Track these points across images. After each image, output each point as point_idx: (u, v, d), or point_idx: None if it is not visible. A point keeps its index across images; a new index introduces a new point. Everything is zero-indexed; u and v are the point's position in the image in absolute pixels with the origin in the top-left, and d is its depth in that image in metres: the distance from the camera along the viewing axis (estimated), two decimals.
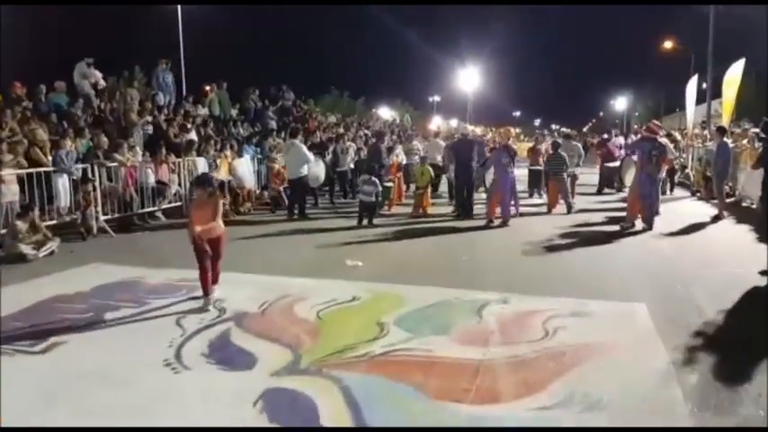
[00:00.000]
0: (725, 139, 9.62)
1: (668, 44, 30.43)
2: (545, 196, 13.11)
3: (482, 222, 9.45)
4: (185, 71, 23.91)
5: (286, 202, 11.19)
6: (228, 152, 12.57)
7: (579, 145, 13.55)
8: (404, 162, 13.14)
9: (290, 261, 7.05)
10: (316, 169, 10.89)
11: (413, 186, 11.60)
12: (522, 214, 10.19)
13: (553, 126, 67.03)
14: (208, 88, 17.35)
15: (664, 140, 9.72)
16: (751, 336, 4.40)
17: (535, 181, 13.19)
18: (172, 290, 5.64)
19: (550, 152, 11.55)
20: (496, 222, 9.26)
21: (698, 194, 12.75)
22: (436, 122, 50.49)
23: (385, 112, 34.44)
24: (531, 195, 13.23)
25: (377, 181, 9.49)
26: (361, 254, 7.32)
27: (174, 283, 5.91)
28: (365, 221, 9.46)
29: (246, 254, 7.46)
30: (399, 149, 13.46)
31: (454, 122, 50.88)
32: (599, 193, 13.91)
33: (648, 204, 8.63)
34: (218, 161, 12.12)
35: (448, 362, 3.90)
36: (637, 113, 57.93)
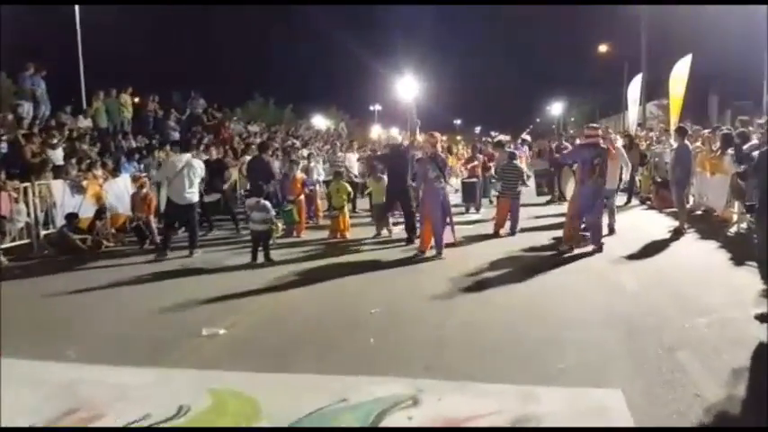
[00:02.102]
0: (686, 141, 8.23)
1: (603, 48, 30.23)
2: (483, 211, 11.57)
3: (411, 251, 7.63)
4: (85, 79, 20.91)
5: (155, 235, 8.93)
6: (99, 171, 10.23)
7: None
8: (319, 178, 11.13)
9: (126, 330, 4.95)
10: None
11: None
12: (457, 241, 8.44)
13: (493, 133, 67.14)
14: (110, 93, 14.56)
15: (606, 145, 8.19)
16: None
17: (470, 194, 11.52)
18: None
19: (504, 162, 9.51)
20: (428, 253, 7.44)
21: (648, 203, 11.51)
22: (376, 131, 49.04)
23: (318, 121, 32.39)
24: (467, 210, 11.59)
25: (267, 205, 7.47)
26: (236, 309, 5.36)
27: None
28: (261, 256, 7.45)
29: (64, 318, 5.30)
30: (315, 163, 11.46)
31: (395, 131, 49.53)
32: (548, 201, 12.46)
33: (594, 222, 7.10)
34: (84, 183, 9.78)
35: None
36: (572, 119, 58.67)
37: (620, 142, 12.85)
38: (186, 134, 16.24)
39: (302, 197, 9.51)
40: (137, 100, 16.06)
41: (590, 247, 7.12)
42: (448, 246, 7.59)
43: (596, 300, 5.24)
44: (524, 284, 5.85)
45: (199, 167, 8.25)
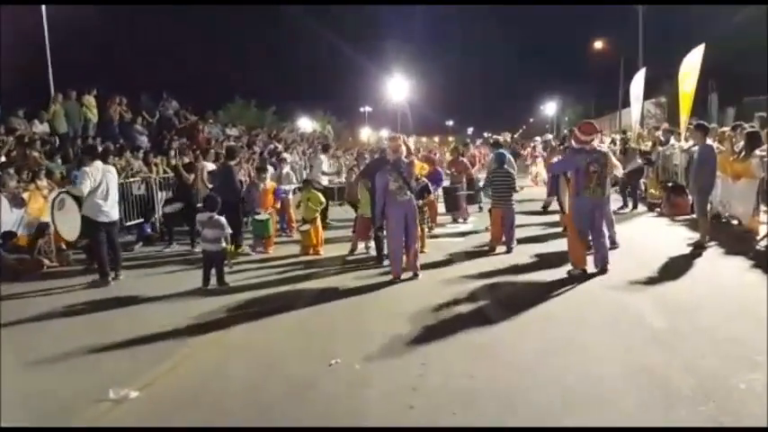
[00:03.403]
0: (708, 140, 7.15)
1: (599, 44, 29.35)
2: (473, 219, 10.50)
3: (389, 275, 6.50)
4: (54, 80, 19.61)
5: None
6: (44, 182, 9.09)
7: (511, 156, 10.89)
8: (289, 187, 9.97)
9: (16, 386, 3.85)
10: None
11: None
12: (446, 260, 7.28)
13: (485, 134, 66.39)
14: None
15: (604, 148, 7.02)
16: None
17: (452, 203, 10.26)
18: None
19: (493, 166, 8.22)
20: (406, 275, 6.31)
21: (656, 210, 10.46)
22: (366, 133, 48.00)
23: (304, 123, 31.25)
24: (454, 220, 10.49)
25: (222, 221, 6.36)
26: (165, 355, 4.27)
27: None
28: (213, 280, 6.34)
29: None
30: (290, 169, 10.31)
31: (384, 133, 48.81)
32: (544, 210, 11.43)
33: (597, 240, 6.01)
34: (25, 196, 8.64)
35: None
36: (567, 118, 57.86)
37: (606, 143, 11.90)
38: (156, 138, 15.21)
39: (273, 210, 8.37)
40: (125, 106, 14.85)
41: (593, 269, 6.01)
42: (427, 267, 6.49)
43: (612, 345, 4.14)
44: (518, 323, 4.72)
45: (115, 178, 7.08)
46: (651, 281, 5.72)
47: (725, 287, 5.46)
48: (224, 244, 6.37)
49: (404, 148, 6.32)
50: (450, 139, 63.19)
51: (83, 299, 6.15)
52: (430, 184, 8.30)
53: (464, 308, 5.15)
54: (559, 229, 8.89)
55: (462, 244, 8.39)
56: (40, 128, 12.55)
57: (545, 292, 5.54)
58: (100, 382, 3.81)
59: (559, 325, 4.60)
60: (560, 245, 7.53)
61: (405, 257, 6.26)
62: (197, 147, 14.78)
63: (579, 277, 5.92)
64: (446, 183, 10.97)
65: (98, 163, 6.93)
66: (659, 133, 12.27)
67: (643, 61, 22.36)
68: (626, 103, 22.22)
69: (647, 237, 8.21)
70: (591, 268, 6.07)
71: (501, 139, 11.78)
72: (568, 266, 6.16)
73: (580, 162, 5.94)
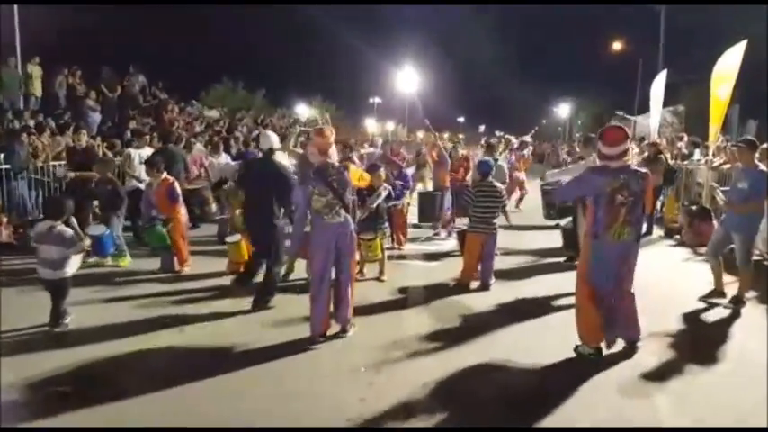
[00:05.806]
0: (757, 161, 5.18)
1: (617, 45, 27.32)
2: (455, 234, 8.74)
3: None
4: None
5: None
6: None
7: (504, 165, 8.97)
8: None
9: None
10: None
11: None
12: (400, 303, 5.53)
13: (498, 132, 63.99)
14: None
15: (637, 166, 4.77)
16: None
17: (428, 211, 8.43)
18: None
19: (477, 177, 6.46)
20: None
21: (676, 237, 8.67)
22: (371, 126, 46.14)
23: (301, 110, 29.49)
24: (435, 234, 8.75)
25: (67, 234, 4.45)
26: None
27: None
28: (61, 319, 4.55)
29: None
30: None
31: (390, 126, 47.00)
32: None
33: (621, 305, 4.02)
34: None
35: None
36: (579, 121, 55.66)
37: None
38: (116, 117, 13.59)
39: (180, 215, 6.52)
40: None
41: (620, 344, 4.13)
42: (369, 312, 4.79)
43: None
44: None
45: None
46: (673, 367, 3.94)
47: None
48: (70, 269, 4.51)
49: (334, 149, 4.53)
50: (461, 136, 61.33)
51: None
52: (392, 190, 6.67)
53: (400, 409, 3.44)
54: (552, 259, 7.24)
55: (433, 272, 6.66)
56: None
57: (531, 380, 3.78)
58: None
59: None
60: (557, 283, 5.87)
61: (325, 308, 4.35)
62: (163, 127, 13.15)
63: (591, 355, 4.06)
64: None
65: None
66: (681, 145, 10.48)
67: (663, 64, 20.59)
68: (642, 109, 20.46)
69: (663, 277, 6.39)
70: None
71: (494, 141, 9.86)
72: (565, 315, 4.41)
73: (601, 187, 3.91)
